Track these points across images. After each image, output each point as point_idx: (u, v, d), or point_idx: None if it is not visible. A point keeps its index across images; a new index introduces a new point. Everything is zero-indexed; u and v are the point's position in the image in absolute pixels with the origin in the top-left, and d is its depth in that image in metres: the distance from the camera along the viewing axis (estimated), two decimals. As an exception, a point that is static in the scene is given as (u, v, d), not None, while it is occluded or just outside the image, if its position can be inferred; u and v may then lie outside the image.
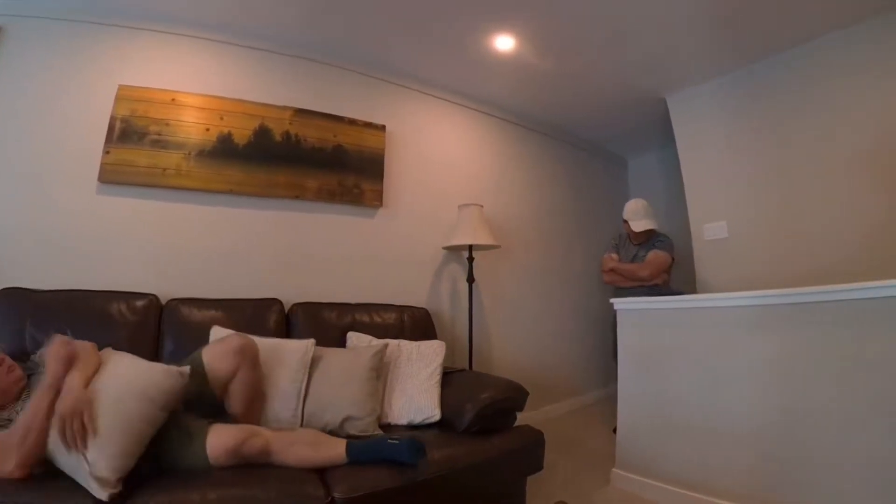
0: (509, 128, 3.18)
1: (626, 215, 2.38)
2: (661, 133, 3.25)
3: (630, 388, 1.77)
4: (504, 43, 2.33)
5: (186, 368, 1.19)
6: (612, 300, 1.91)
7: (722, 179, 2.54)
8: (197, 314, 1.64)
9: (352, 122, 2.30)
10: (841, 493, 1.23)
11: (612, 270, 2.40)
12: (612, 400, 2.04)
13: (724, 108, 2.57)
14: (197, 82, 1.94)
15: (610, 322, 2.41)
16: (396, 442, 1.18)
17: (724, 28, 2.17)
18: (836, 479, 1.25)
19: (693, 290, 2.51)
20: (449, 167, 2.78)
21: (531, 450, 1.57)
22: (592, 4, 2.01)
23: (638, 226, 2.27)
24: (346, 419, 1.43)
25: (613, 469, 1.81)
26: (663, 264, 2.28)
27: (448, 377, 1.72)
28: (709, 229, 2.53)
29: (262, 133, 2.04)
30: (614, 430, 1.95)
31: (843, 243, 2.05)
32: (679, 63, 2.48)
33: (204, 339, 1.49)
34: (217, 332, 1.56)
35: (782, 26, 2.16)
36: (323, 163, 2.23)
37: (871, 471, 1.18)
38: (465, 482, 1.31)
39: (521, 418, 1.70)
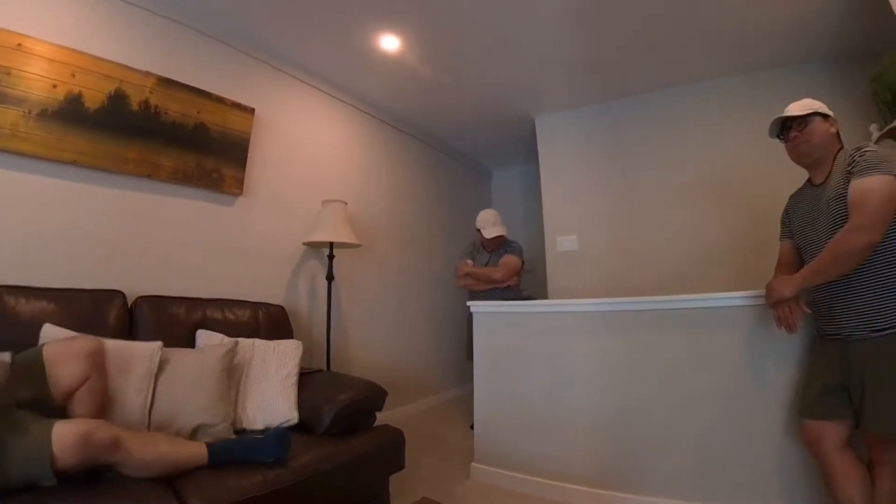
0: (383, 128, 3.65)
1: (478, 224, 3.04)
2: (526, 150, 4.21)
3: (485, 386, 2.29)
4: (389, 43, 2.70)
5: (6, 354, 1.21)
6: (468, 303, 2.42)
7: (576, 197, 3.50)
8: (24, 306, 1.56)
9: (219, 99, 2.40)
10: (669, 472, 1.85)
11: (467, 275, 3.03)
12: (468, 398, 2.51)
13: (584, 134, 3.54)
14: (50, 29, 1.85)
15: (465, 324, 2.93)
16: (261, 437, 1.34)
17: (592, 67, 2.98)
18: (666, 460, 1.86)
19: (544, 296, 3.38)
20: (317, 160, 3.06)
21: (392, 449, 1.85)
22: (479, 21, 2.50)
23: (489, 233, 2.95)
24: (199, 427, 1.52)
25: (473, 463, 2.28)
26: (515, 267, 2.97)
27: (305, 378, 1.94)
28: (561, 241, 3.48)
29: (118, 99, 2.02)
30: (472, 427, 2.44)
31: (677, 260, 3.07)
32: (550, 89, 3.29)
33: (31, 338, 1.42)
34: (49, 333, 1.48)
35: (641, 74, 3.07)
36: (182, 141, 2.26)
37: (693, 453, 1.80)
38: (328, 485, 1.51)
39: (381, 418, 2.00)
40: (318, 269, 2.91)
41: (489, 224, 3.05)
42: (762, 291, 1.59)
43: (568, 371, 2.11)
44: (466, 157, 4.81)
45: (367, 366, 3.12)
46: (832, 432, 1.41)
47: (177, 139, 2.25)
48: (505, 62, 2.97)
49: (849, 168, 1.36)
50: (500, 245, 3.10)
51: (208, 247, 2.37)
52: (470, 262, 3.18)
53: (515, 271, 3.03)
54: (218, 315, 2.08)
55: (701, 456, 1.81)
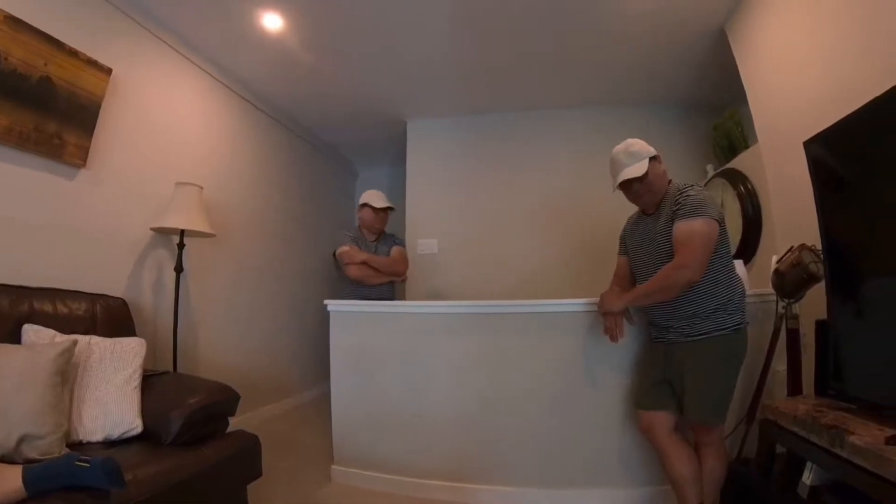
0: (252, 112, 3.85)
1: (364, 199, 3.14)
2: (395, 151, 4.79)
3: (343, 385, 2.60)
4: (272, 21, 2.87)
5: None
6: (325, 301, 2.67)
7: (439, 203, 4.16)
8: None
9: (73, 53, 2.32)
10: (524, 463, 2.34)
11: (364, 263, 3.09)
12: (327, 397, 2.73)
13: (453, 142, 4.20)
14: None
15: (327, 322, 2.99)
16: (87, 465, 1.32)
17: (468, 80, 3.51)
18: (520, 452, 2.34)
19: (403, 297, 3.89)
20: (175, 137, 3.09)
21: (248, 456, 1.97)
22: (367, 18, 2.81)
23: (379, 202, 3.10)
24: (23, 439, 1.48)
25: (333, 465, 2.56)
26: (407, 260, 3.27)
27: (149, 381, 1.98)
28: (422, 244, 4.18)
29: (-55, 31, 1.74)
30: None
31: (529, 271, 3.87)
32: (426, 95, 3.81)
33: None
34: None
35: (513, 93, 3.72)
36: (22, 95, 2.14)
37: (545, 443, 2.32)
38: (178, 500, 1.57)
39: (235, 423, 2.09)
40: (167, 259, 2.97)
41: (378, 198, 3.16)
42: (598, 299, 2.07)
43: (426, 370, 2.48)
44: (334, 153, 5.21)
45: (218, 367, 3.24)
46: (662, 420, 1.92)
47: (15, 92, 2.13)
48: (387, 62, 3.34)
49: (675, 209, 1.80)
50: (382, 235, 3.32)
51: (40, 225, 2.27)
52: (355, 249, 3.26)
53: (407, 264, 3.31)
54: (48, 307, 2.03)
55: (552, 446, 2.33)
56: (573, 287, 3.31)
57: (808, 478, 1.64)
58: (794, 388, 2.03)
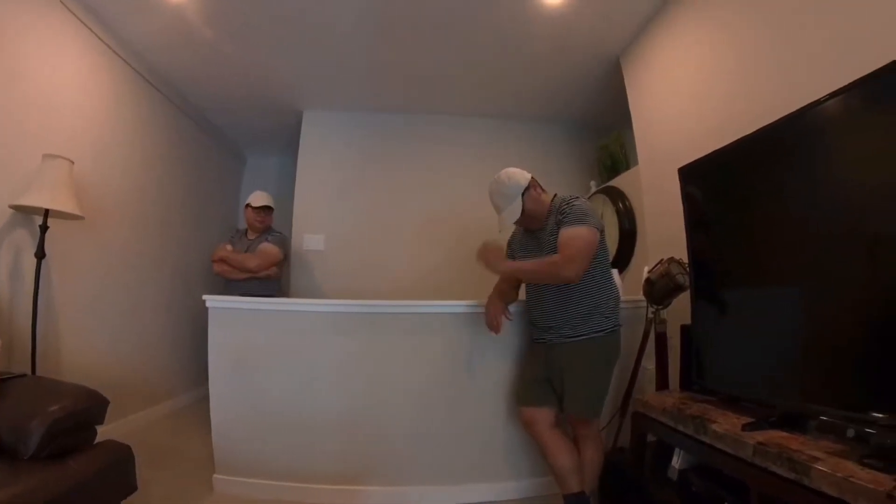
0: (141, 85, 3.47)
1: (249, 199, 3.35)
2: (287, 141, 4.59)
3: (224, 388, 2.40)
4: None
5: None
6: (204, 297, 2.48)
7: (329, 198, 4.04)
8: None
9: None
10: (413, 461, 2.35)
11: (221, 260, 3.24)
12: (208, 401, 2.51)
13: (349, 138, 4.09)
14: None
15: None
16: None
17: (371, 76, 3.50)
18: (409, 451, 2.35)
19: (288, 294, 3.79)
20: (44, 100, 2.66)
21: (120, 468, 1.78)
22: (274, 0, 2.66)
23: (258, 200, 3.29)
24: None
25: (214, 475, 2.38)
26: (272, 257, 3.24)
27: (4, 386, 1.75)
28: (308, 240, 4.01)
29: None
30: None
31: (416, 272, 3.87)
32: (326, 86, 3.71)
33: None
34: None
35: (417, 96, 3.76)
36: None
37: (433, 442, 2.35)
38: None
39: (104, 432, 1.87)
40: (26, 243, 2.59)
41: (259, 197, 3.33)
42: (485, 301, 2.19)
43: (309, 370, 2.40)
44: (222, 137, 4.84)
45: (84, 368, 2.85)
46: (543, 415, 2.04)
47: None
48: (290, 48, 3.23)
49: (560, 217, 1.94)
50: (264, 233, 3.36)
51: None
52: (229, 247, 3.31)
53: (273, 261, 3.26)
54: None
55: (438, 444, 2.37)
56: (458, 292, 3.34)
57: (676, 462, 1.85)
58: (662, 383, 2.27)
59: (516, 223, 2.12)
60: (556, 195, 2.13)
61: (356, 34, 3.05)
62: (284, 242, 3.43)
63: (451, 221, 4.07)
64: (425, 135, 4.25)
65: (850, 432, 1.22)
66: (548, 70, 3.45)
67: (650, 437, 2.01)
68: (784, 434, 1.40)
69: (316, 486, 2.35)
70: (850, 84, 1.34)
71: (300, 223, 4.14)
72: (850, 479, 1.07)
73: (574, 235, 1.89)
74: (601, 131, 4.11)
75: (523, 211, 2.02)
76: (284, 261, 3.46)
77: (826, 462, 1.16)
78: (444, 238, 4.05)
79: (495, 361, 2.42)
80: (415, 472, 2.39)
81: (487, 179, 2.19)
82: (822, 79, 1.55)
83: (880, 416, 1.20)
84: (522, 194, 2.03)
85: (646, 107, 3.06)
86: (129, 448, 1.86)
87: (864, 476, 1.07)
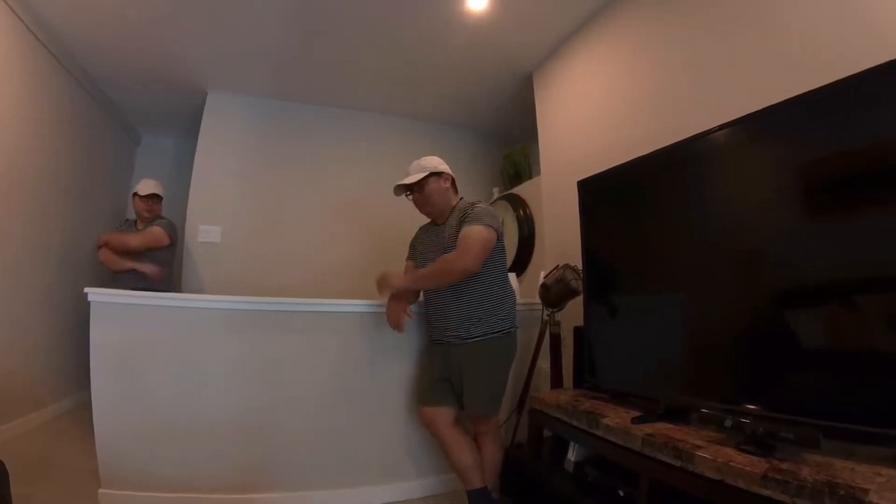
0: (30, 44, 2.95)
1: (136, 188, 3.16)
2: (188, 123, 4.21)
3: (107, 391, 2.13)
4: None
5: None
6: (86, 290, 2.21)
7: (229, 187, 3.75)
8: None
9: None
10: (315, 465, 2.23)
11: (105, 245, 2.98)
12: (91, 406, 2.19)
13: (255, 125, 3.86)
14: None
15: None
16: None
17: (284, 63, 3.35)
18: (310, 455, 2.22)
19: (179, 289, 3.42)
20: None
21: None
22: None
23: (144, 188, 3.13)
24: None
25: (100, 489, 2.08)
26: (157, 238, 3.05)
27: None
28: (204, 231, 3.68)
29: None
30: None
31: (318, 270, 3.70)
32: (234, 68, 3.48)
33: None
34: None
35: (330, 88, 3.64)
36: None
37: (334, 444, 2.25)
38: None
39: None
40: None
41: (146, 185, 3.14)
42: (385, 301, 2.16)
43: (203, 372, 2.20)
44: (116, 110, 4.32)
45: None
46: (443, 415, 2.06)
47: None
48: (200, 24, 2.99)
49: (462, 218, 2.00)
50: (152, 222, 3.14)
51: None
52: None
53: (157, 243, 3.06)
54: None
55: (340, 446, 2.30)
56: (361, 290, 3.26)
57: (572, 455, 1.94)
58: (557, 382, 2.37)
59: (415, 205, 2.20)
60: (462, 198, 2.20)
61: (268, 15, 2.88)
62: (173, 228, 3.19)
63: (357, 219, 3.97)
64: (334, 129, 4.10)
65: (728, 422, 1.34)
66: (463, 77, 3.50)
67: (546, 433, 2.10)
68: (669, 426, 1.52)
69: (212, 497, 2.15)
70: (735, 120, 1.55)
71: (196, 213, 3.77)
72: (730, 463, 1.19)
73: (471, 232, 1.95)
74: (508, 141, 4.25)
75: (420, 187, 2.10)
76: (172, 247, 3.20)
77: (707, 449, 1.28)
78: (348, 236, 3.93)
79: (396, 362, 2.39)
80: (316, 477, 2.28)
81: (394, 178, 2.17)
82: (711, 111, 1.80)
83: (753, 407, 1.36)
84: (433, 174, 2.11)
85: (552, 122, 3.21)
86: (1, 463, 1.62)
87: (741, 460, 1.19)
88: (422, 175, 2.09)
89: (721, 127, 1.57)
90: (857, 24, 1.55)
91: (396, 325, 2.12)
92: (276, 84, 3.77)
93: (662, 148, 1.78)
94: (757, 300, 1.47)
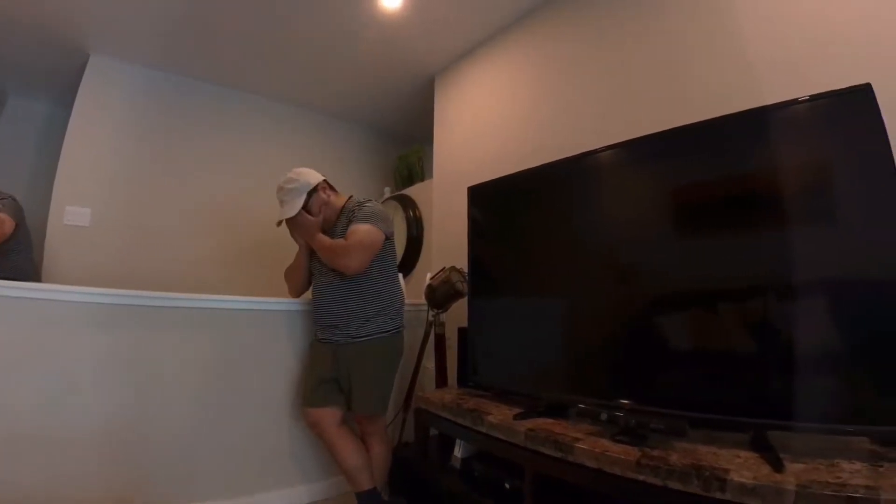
0: None
1: None
2: (64, 86, 3.60)
3: None
4: None
5: None
6: None
7: (103, 164, 3.25)
8: None
9: None
10: (198, 474, 2.02)
11: None
12: None
13: (141, 98, 3.39)
14: None
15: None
16: None
17: (181, 31, 3.03)
18: (193, 463, 2.01)
19: (38, 278, 2.89)
20: None
21: None
22: None
23: None
24: None
25: None
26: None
27: None
28: (71, 213, 3.15)
29: None
30: None
31: (197, 262, 3.34)
32: (123, 30, 3.06)
33: None
34: None
35: (229, 66, 3.35)
36: None
37: (219, 451, 2.06)
38: None
39: None
40: None
41: None
42: (273, 298, 2.14)
43: (66, 375, 1.90)
44: None
45: None
46: (330, 415, 2.02)
47: None
48: None
49: (351, 216, 2.01)
50: None
51: None
52: None
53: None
54: None
55: (221, 452, 2.13)
56: (240, 286, 3.08)
57: (458, 452, 1.98)
58: (442, 381, 2.41)
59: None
60: (351, 197, 2.16)
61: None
62: (15, 209, 2.63)
63: (244, 210, 3.65)
64: (226, 111, 3.74)
65: (604, 416, 1.46)
66: (366, 73, 3.42)
67: (433, 431, 2.12)
68: (550, 421, 1.62)
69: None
70: (618, 143, 1.72)
71: (63, 192, 3.20)
72: (606, 453, 1.29)
73: (359, 230, 1.96)
74: (403, 142, 4.26)
75: (299, 214, 2.03)
76: (17, 233, 2.65)
77: (585, 441, 1.38)
78: (233, 227, 3.60)
79: (279, 361, 2.30)
80: (195, 487, 2.07)
81: (285, 168, 2.10)
82: (599, 132, 1.99)
83: (626, 402, 1.49)
84: (310, 193, 2.05)
85: (448, 127, 3.27)
86: None
87: (617, 450, 1.30)
88: (299, 202, 2.03)
89: (606, 148, 1.72)
90: (736, 67, 1.82)
91: None
92: (167, 54, 3.36)
93: (552, 162, 1.90)
94: (630, 305, 1.62)
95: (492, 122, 2.89)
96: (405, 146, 4.13)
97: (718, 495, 1.08)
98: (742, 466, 1.12)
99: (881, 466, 1.07)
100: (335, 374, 2.04)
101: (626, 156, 1.70)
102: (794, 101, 1.31)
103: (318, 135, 3.94)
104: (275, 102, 3.88)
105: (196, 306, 2.14)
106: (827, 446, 1.21)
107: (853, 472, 1.05)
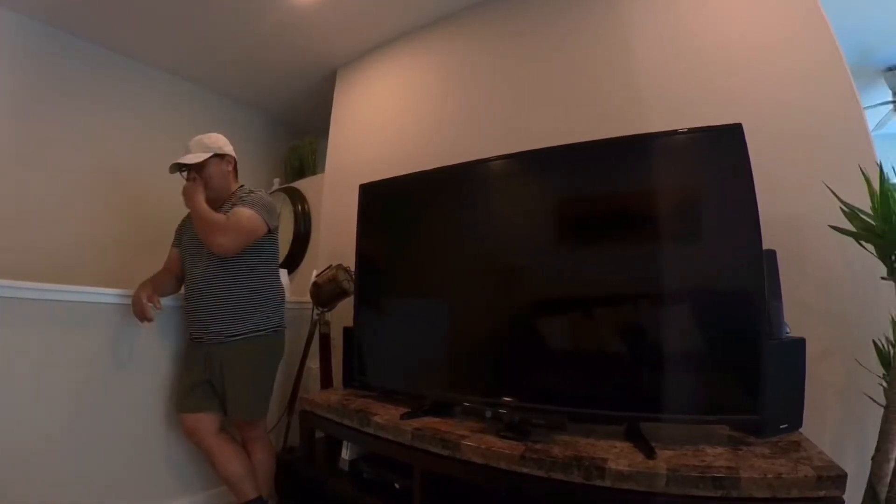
0: None
1: None
2: None
3: None
4: None
5: None
6: None
7: None
8: None
9: None
10: (55, 488, 1.73)
11: None
12: None
13: (13, 50, 2.85)
14: None
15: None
16: None
17: None
18: (48, 475, 1.73)
19: None
20: None
21: None
22: None
23: None
24: None
25: None
26: None
27: None
28: None
29: None
30: None
31: (60, 248, 2.84)
32: None
33: None
34: None
35: (117, 28, 2.97)
36: None
37: (81, 460, 1.79)
38: None
39: None
40: None
41: None
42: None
43: None
44: None
45: None
46: (207, 421, 1.89)
47: None
48: None
49: (239, 202, 1.92)
50: None
51: None
52: None
53: None
54: None
55: (92, 464, 1.87)
56: (112, 276, 2.67)
57: (346, 454, 1.94)
58: (326, 382, 2.36)
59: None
60: (242, 185, 2.07)
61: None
62: None
63: (119, 190, 3.21)
64: (110, 78, 3.25)
65: (488, 413, 1.51)
66: (268, 56, 3.23)
67: (319, 434, 2.07)
68: (436, 420, 1.64)
69: None
70: (510, 154, 1.82)
71: None
72: (492, 448, 1.34)
73: (241, 213, 1.86)
74: (297, 132, 4.07)
75: (202, 168, 1.94)
76: None
77: (472, 438, 1.42)
78: (106, 209, 3.12)
79: (151, 362, 2.07)
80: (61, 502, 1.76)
81: (169, 149, 1.95)
82: (494, 141, 2.15)
83: (510, 399, 1.56)
84: (216, 155, 1.98)
85: (345, 122, 3.20)
86: None
87: (502, 445, 1.35)
88: (205, 155, 1.92)
89: (498, 157, 1.80)
90: (626, 94, 2.06)
91: (140, 314, 1.83)
92: (53, 6, 2.88)
93: (446, 166, 1.94)
94: (512, 308, 1.71)
95: (391, 122, 2.88)
96: (299, 137, 3.96)
97: (598, 483, 1.17)
98: (619, 455, 1.23)
99: (740, 450, 1.25)
100: (209, 377, 1.91)
101: (517, 166, 1.79)
102: (675, 132, 1.50)
103: (210, 114, 3.62)
104: (167, 75, 3.50)
105: (58, 298, 1.84)
106: (692, 434, 1.38)
107: (716, 456, 1.21)
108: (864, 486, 1.22)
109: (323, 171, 3.27)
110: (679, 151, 1.52)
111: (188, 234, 2.02)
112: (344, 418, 1.83)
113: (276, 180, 3.73)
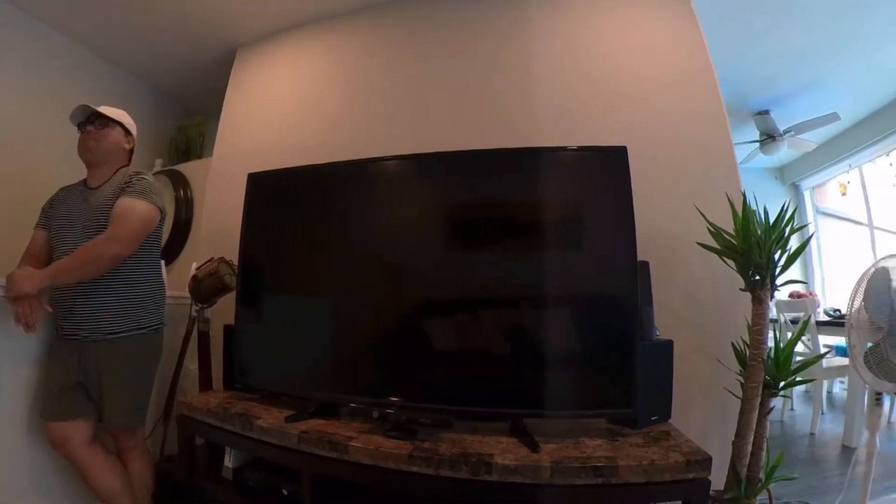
0: None
1: None
2: None
3: None
4: None
5: None
6: None
7: None
8: None
9: None
10: None
11: None
12: None
13: None
14: None
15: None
16: None
17: None
18: None
19: None
20: None
21: None
22: None
23: None
24: None
25: None
26: None
27: None
28: None
29: None
30: None
31: None
32: None
33: None
34: None
35: None
36: None
37: None
38: None
39: None
40: None
41: None
42: (1, 282, 1.64)
43: None
44: None
45: None
46: (78, 430, 1.69)
47: None
48: None
49: (124, 185, 1.75)
50: None
51: None
52: None
53: None
54: None
55: None
56: None
57: (229, 461, 1.84)
58: (206, 384, 2.22)
59: (82, 147, 1.86)
60: (129, 165, 1.94)
61: None
62: None
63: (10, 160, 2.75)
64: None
65: (375, 414, 1.53)
66: (163, 24, 2.94)
67: (199, 440, 1.95)
68: (322, 422, 1.63)
69: None
70: (404, 155, 1.85)
71: None
72: (380, 449, 1.36)
73: (132, 209, 1.71)
74: (187, 111, 3.79)
75: (105, 128, 1.85)
76: None
77: (359, 439, 1.43)
78: None
79: (11, 363, 1.77)
80: None
81: (49, 109, 1.67)
82: (391, 141, 2.22)
83: (396, 399, 1.59)
84: (119, 125, 1.89)
85: (239, 105, 3.03)
86: None
87: (390, 445, 1.37)
88: (116, 117, 1.83)
89: (392, 157, 1.83)
90: (521, 108, 2.21)
91: (28, 327, 1.58)
92: None
93: (338, 161, 1.93)
94: (398, 308, 1.74)
95: (288, 111, 2.80)
96: (188, 117, 3.68)
97: (486, 477, 1.24)
98: (505, 451, 1.31)
99: (617, 441, 1.39)
100: (81, 379, 1.70)
101: (411, 168, 1.83)
102: (565, 148, 1.65)
103: (94, 82, 3.19)
104: (50, 29, 3.05)
105: None
106: (573, 428, 1.50)
107: (596, 447, 1.34)
108: (727, 467, 1.43)
109: (211, 155, 3.06)
110: (568, 166, 1.66)
111: (63, 211, 1.81)
112: (225, 423, 1.74)
113: (159, 161, 3.43)
